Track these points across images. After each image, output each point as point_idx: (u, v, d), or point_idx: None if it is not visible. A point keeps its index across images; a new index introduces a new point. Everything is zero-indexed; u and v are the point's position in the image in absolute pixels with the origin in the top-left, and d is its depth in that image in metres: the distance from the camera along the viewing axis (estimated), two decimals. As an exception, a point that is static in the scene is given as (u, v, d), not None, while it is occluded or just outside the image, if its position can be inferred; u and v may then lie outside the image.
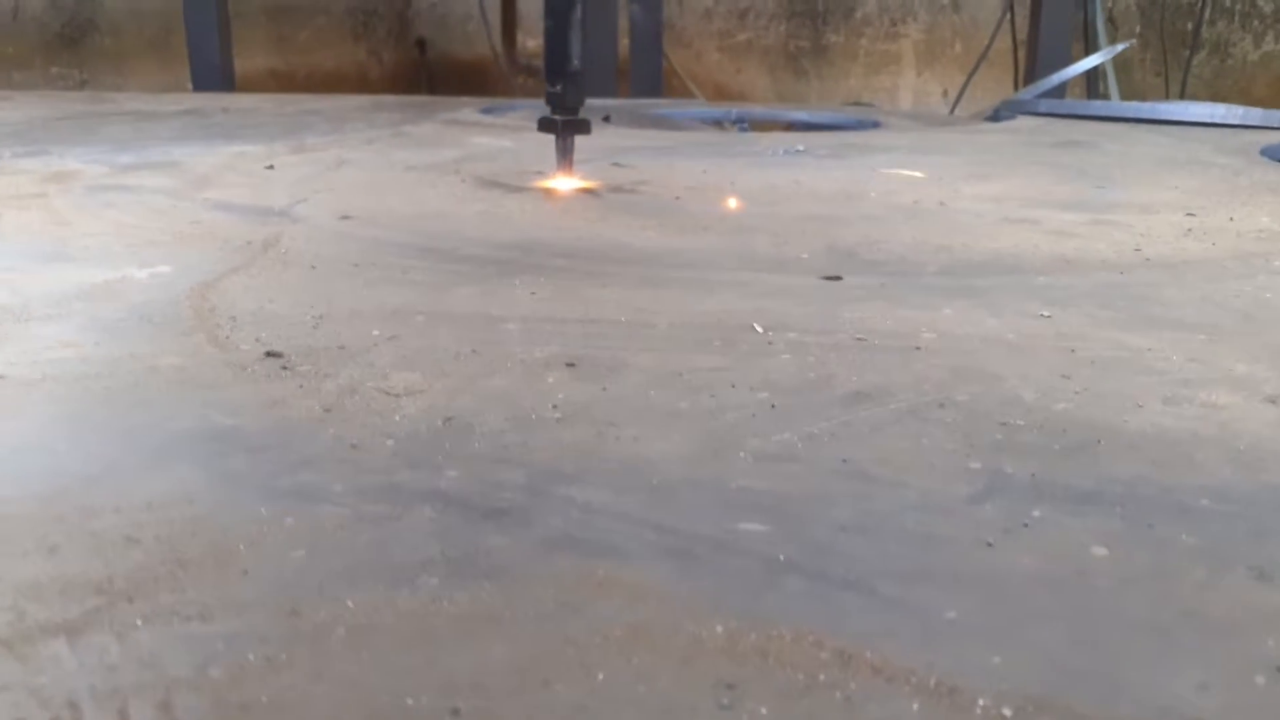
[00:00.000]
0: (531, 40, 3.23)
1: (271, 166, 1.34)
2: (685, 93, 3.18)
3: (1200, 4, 3.27)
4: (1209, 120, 1.95)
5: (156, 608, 0.37)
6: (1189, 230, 1.01)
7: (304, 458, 0.48)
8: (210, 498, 0.45)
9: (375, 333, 0.66)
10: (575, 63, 1.14)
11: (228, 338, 0.65)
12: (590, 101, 1.23)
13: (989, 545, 0.41)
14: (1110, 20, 3.25)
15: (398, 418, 0.53)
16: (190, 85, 2.80)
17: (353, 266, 0.83)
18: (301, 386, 0.57)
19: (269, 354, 0.62)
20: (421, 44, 3.35)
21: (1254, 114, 1.94)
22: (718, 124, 2.28)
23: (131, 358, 0.62)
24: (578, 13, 1.12)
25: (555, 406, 0.55)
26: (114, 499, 0.44)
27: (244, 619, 0.36)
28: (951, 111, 2.90)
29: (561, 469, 0.47)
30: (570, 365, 0.61)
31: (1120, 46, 2.66)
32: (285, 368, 0.60)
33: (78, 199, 1.10)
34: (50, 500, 0.44)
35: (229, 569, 0.39)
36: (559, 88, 1.16)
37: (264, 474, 0.47)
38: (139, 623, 0.36)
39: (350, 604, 0.37)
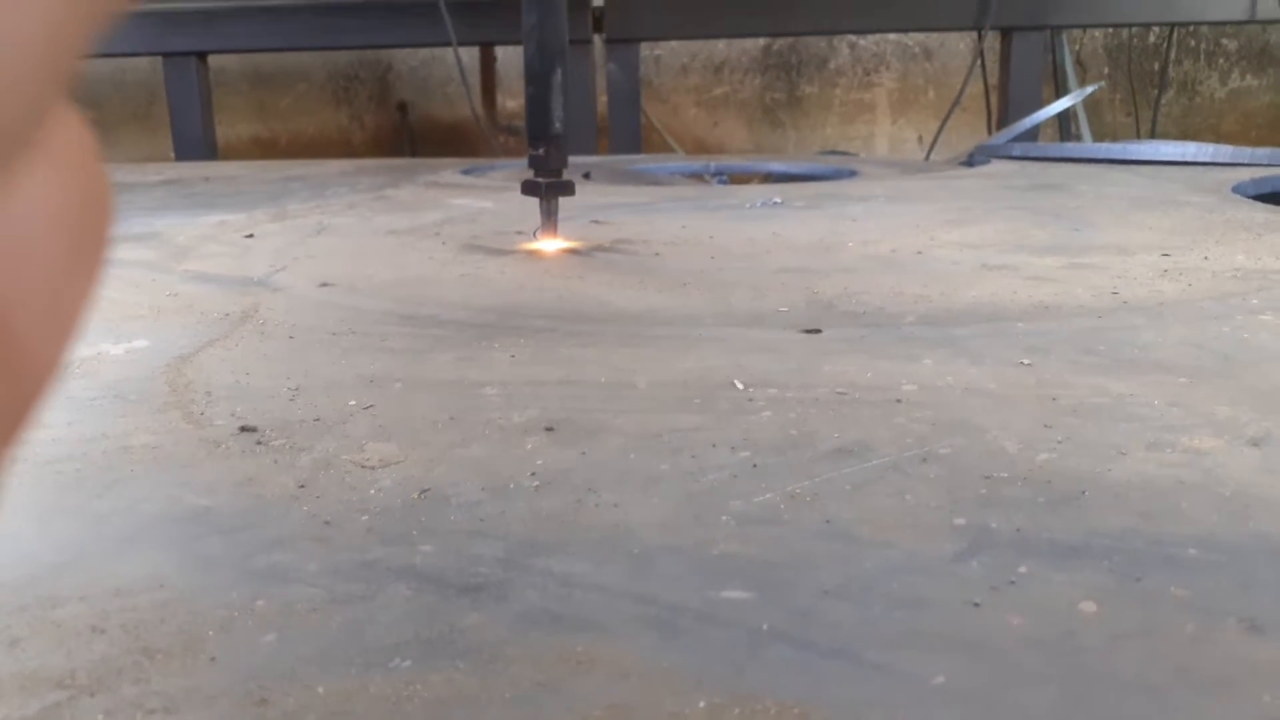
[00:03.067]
0: (511, 101, 3.27)
1: (252, 235, 1.34)
2: (665, 148, 3.21)
3: (1166, 44, 3.34)
4: (1180, 159, 1.98)
5: (119, 701, 0.36)
6: (1165, 271, 1.02)
7: (277, 537, 0.47)
8: (181, 582, 0.44)
9: (351, 403, 0.66)
10: (558, 125, 1.15)
11: (202, 413, 0.64)
12: (570, 159, 1.24)
13: (976, 605, 0.40)
14: (1079, 63, 3.32)
15: (372, 491, 0.52)
16: (173, 154, 2.81)
17: (331, 335, 0.83)
18: (276, 462, 0.56)
19: (243, 429, 0.61)
20: (403, 107, 3.39)
21: (1224, 151, 1.97)
22: (697, 177, 2.30)
23: (104, 437, 0.61)
24: (558, 76, 1.14)
25: (534, 474, 0.54)
26: (81, 587, 0.43)
27: (211, 710, 0.35)
28: (927, 157, 2.94)
29: (539, 540, 0.47)
30: (549, 430, 0.60)
31: (1090, 89, 2.71)
32: (260, 443, 0.59)
33: (55, 274, 1.09)
34: (15, 590, 0.43)
35: (197, 657, 0.38)
36: (542, 151, 1.16)
37: (237, 556, 0.46)
38: (100, 718, 0.35)
39: (321, 690, 0.36)
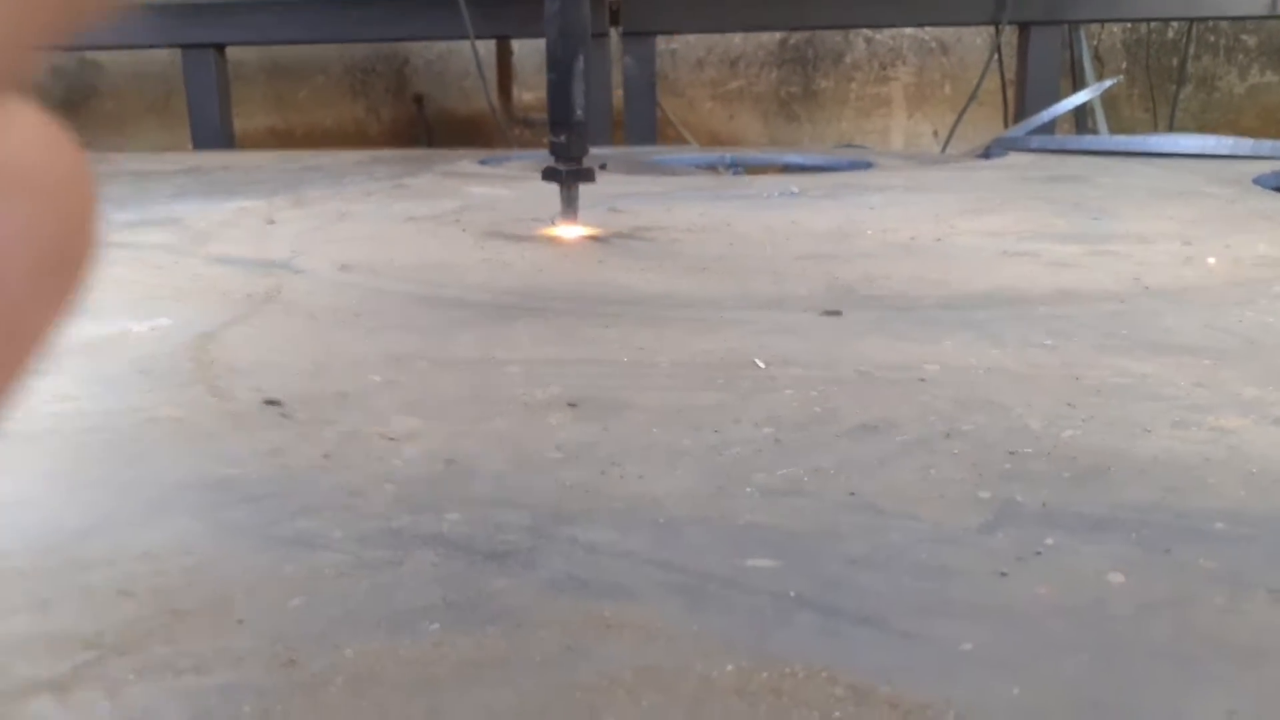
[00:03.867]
0: (528, 93, 3.27)
1: (272, 221, 1.35)
2: (680, 141, 3.21)
3: (1185, 39, 3.32)
4: (1200, 152, 1.97)
5: (149, 661, 0.36)
6: (1187, 259, 1.01)
7: (303, 505, 0.48)
8: (208, 548, 0.44)
9: (376, 379, 0.66)
10: (579, 112, 1.15)
11: (227, 388, 0.65)
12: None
13: (1003, 575, 0.40)
14: (1097, 57, 3.30)
15: (398, 462, 0.52)
16: (190, 146, 2.83)
17: (353, 315, 0.83)
18: (301, 434, 0.56)
19: (268, 402, 0.62)
20: (419, 100, 3.39)
21: (1244, 144, 1.96)
22: (712, 169, 2.30)
23: (130, 410, 0.61)
24: (580, 63, 1.13)
25: (557, 447, 0.54)
26: (109, 551, 0.44)
27: (239, 670, 0.35)
28: (943, 151, 2.93)
29: (565, 509, 0.47)
30: (572, 405, 0.60)
31: (1108, 82, 2.69)
32: (285, 416, 0.59)
33: (77, 257, 1.10)
34: (43, 554, 0.43)
35: (225, 619, 0.38)
36: (563, 137, 1.16)
37: (263, 522, 0.46)
38: (131, 677, 0.35)
39: (349, 653, 0.36)
